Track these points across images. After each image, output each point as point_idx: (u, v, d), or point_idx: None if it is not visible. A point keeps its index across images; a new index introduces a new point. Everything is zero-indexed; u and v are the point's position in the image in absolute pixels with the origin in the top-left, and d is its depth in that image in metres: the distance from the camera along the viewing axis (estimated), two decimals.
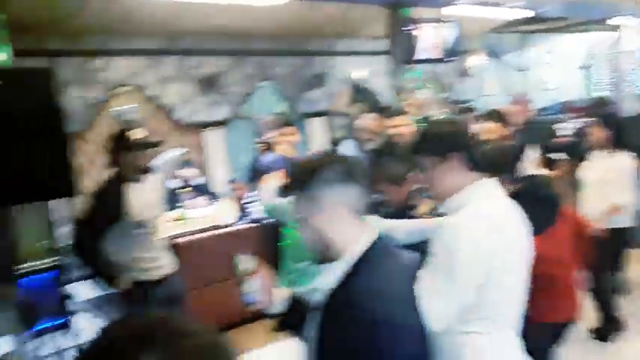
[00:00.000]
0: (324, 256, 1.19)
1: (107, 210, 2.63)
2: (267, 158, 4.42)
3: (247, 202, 4.70)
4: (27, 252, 4.03)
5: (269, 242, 4.05)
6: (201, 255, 4.21)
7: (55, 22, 4.99)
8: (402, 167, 2.33)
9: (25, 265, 3.85)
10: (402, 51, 5.59)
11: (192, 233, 4.44)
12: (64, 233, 4.68)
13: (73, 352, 3.70)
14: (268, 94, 6.99)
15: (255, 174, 4.51)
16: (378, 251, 1.16)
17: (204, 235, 4.43)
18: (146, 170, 2.83)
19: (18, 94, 3.17)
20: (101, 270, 2.71)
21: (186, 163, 5.64)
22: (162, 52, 5.98)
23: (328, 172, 1.16)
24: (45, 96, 3.20)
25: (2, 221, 3.61)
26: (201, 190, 5.58)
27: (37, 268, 4.02)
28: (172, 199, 5.47)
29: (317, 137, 7.16)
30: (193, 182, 5.57)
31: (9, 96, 3.16)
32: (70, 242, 2.92)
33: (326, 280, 1.16)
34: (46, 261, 4.08)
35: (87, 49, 5.51)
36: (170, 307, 2.86)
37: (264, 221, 4.40)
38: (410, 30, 5.58)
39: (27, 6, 4.40)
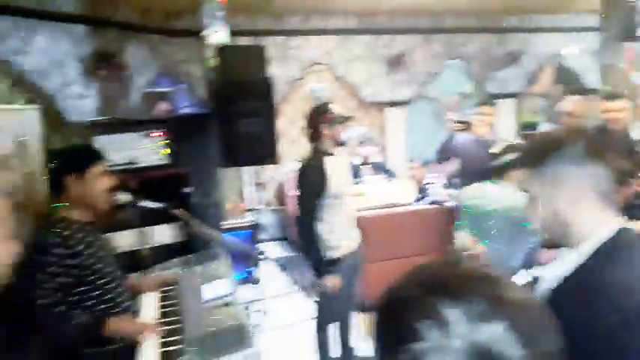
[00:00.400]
0: (556, 240, 1.11)
1: (313, 183, 2.80)
2: (461, 138, 4.31)
3: (427, 183, 4.65)
4: (228, 210, 4.59)
5: (445, 224, 3.99)
6: (378, 230, 4.31)
7: (262, 4, 5.49)
8: (627, 164, 2.04)
9: (226, 222, 4.38)
10: (619, 26, 4.88)
11: (370, 209, 4.56)
12: (255, 196, 5.15)
13: (260, 304, 4.12)
14: (456, 74, 6.76)
15: (445, 154, 4.43)
16: (625, 241, 1.04)
17: (381, 211, 4.52)
18: (342, 144, 2.96)
19: (236, 68, 3.59)
20: (311, 245, 2.81)
21: (367, 141, 5.80)
22: (354, 32, 6.17)
23: (574, 147, 1.04)
24: (258, 70, 3.57)
25: (212, 181, 4.17)
26: (380, 167, 5.70)
27: (236, 225, 4.54)
28: (353, 175, 5.70)
29: (503, 120, 6.74)
30: (372, 160, 5.71)
31: (228, 69, 3.60)
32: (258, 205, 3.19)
33: (558, 267, 1.08)
34: (243, 220, 4.59)
35: (288, 28, 5.95)
36: (352, 278, 2.97)
37: (443, 203, 4.33)
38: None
39: None
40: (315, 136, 2.90)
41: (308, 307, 3.89)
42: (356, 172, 5.66)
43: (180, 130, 3.75)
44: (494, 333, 0.49)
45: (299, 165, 2.97)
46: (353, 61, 6.22)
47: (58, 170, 1.85)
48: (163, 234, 3.40)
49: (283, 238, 6.08)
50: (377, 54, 6.29)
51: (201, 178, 3.91)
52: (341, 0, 5.58)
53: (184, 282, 2.22)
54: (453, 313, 0.50)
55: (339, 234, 2.87)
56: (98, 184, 1.90)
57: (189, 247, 3.21)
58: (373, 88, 6.34)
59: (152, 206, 2.10)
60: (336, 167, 2.92)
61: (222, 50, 3.83)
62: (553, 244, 1.12)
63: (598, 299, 0.96)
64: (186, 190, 3.27)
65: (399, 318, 0.52)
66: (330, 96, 6.21)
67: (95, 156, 1.92)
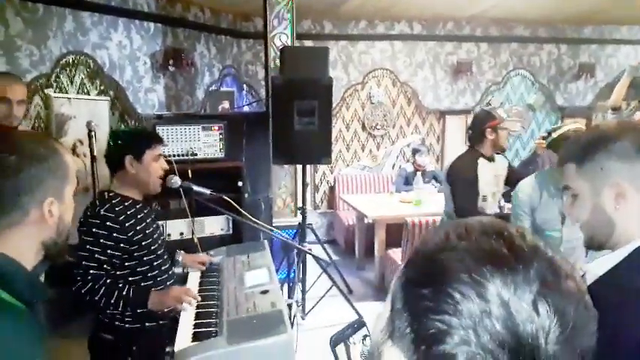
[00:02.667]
0: (599, 241, 1.05)
1: (465, 185, 2.88)
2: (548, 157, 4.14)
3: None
4: (278, 209, 4.66)
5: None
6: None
7: (328, 9, 5.56)
8: None
9: (275, 220, 4.44)
10: None
11: (425, 215, 4.49)
12: (306, 197, 5.15)
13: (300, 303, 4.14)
14: (522, 84, 6.52)
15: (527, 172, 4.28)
16: None
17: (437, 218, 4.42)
18: (502, 150, 2.99)
19: (297, 68, 3.67)
20: None
21: (423, 148, 5.71)
22: (419, 38, 6.12)
23: (622, 143, 0.98)
24: (319, 71, 3.63)
25: (265, 178, 4.27)
26: (434, 176, 5.60)
27: (284, 224, 4.58)
28: (406, 182, 5.63)
29: None
30: (428, 168, 5.63)
31: (290, 69, 3.68)
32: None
33: (598, 267, 1.02)
34: (292, 219, 4.64)
35: (352, 33, 5.99)
36: None
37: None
38: None
39: None
40: (476, 138, 2.95)
41: (347, 312, 3.89)
42: (408, 180, 5.60)
43: (238, 127, 3.87)
44: (539, 319, 0.44)
45: (452, 162, 3.04)
46: (416, 67, 6.16)
47: (117, 150, 1.98)
48: (213, 225, 3.52)
49: (330, 241, 6.09)
50: (441, 61, 6.20)
51: (254, 174, 4.01)
52: (406, 6, 5.55)
53: (227, 267, 2.29)
54: (499, 289, 0.44)
55: None
56: (153, 166, 2.01)
57: (237, 239, 3.30)
58: (434, 95, 6.24)
59: (203, 191, 2.19)
60: (486, 171, 2.93)
61: (286, 50, 3.93)
62: (595, 245, 1.07)
63: (632, 301, 0.90)
64: (239, 183, 3.36)
65: (438, 284, 0.46)
66: (387, 103, 6.18)
67: (154, 140, 2.03)
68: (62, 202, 1.02)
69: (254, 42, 5.84)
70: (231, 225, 3.60)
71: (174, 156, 3.07)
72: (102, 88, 4.07)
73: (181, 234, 3.22)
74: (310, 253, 2.59)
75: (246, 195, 3.81)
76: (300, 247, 2.94)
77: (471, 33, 6.20)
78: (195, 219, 3.26)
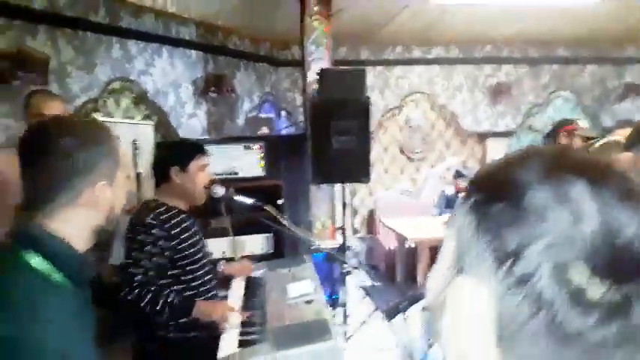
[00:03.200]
0: None
1: None
2: None
3: None
4: (317, 231, 4.61)
5: None
6: None
7: (365, 35, 5.63)
8: None
9: (315, 242, 4.38)
10: None
11: None
12: (345, 220, 5.07)
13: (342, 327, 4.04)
14: (564, 106, 6.36)
15: None
16: None
17: None
18: None
19: (335, 89, 3.69)
20: None
21: (463, 171, 5.60)
22: (456, 61, 6.09)
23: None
24: (356, 92, 3.64)
25: (304, 199, 4.25)
26: None
27: (324, 247, 4.51)
28: (447, 205, 5.50)
29: None
30: None
31: (328, 90, 3.70)
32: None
33: None
34: (330, 241, 4.58)
35: (388, 58, 6.03)
36: None
37: None
38: None
39: (344, 20, 5.07)
40: (548, 143, 2.98)
41: (388, 337, 3.77)
42: (449, 202, 5.47)
43: (277, 149, 3.90)
44: (627, 221, 0.40)
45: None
46: (455, 90, 6.11)
47: (163, 160, 2.00)
48: (255, 244, 3.50)
49: (370, 266, 5.97)
50: (479, 83, 6.13)
51: (292, 197, 4.00)
52: (443, 30, 5.56)
53: (270, 280, 2.25)
54: (584, 193, 0.41)
55: None
56: (198, 176, 2.02)
57: (278, 258, 3.27)
58: (474, 118, 6.15)
59: (245, 200, 2.18)
60: None
61: (324, 73, 3.97)
62: None
63: None
64: (279, 202, 3.36)
65: (514, 195, 0.42)
66: (425, 125, 6.14)
67: (198, 150, 2.05)
68: (114, 187, 1.03)
69: (292, 69, 5.95)
70: (272, 244, 3.58)
71: (216, 174, 3.11)
72: (146, 112, 4.20)
73: (223, 252, 3.22)
74: (357, 267, 2.52)
75: (285, 217, 3.81)
76: (345, 261, 2.87)
77: (509, 55, 6.14)
78: (236, 238, 3.27)
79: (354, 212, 6.21)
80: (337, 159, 3.59)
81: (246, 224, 3.37)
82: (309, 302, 1.91)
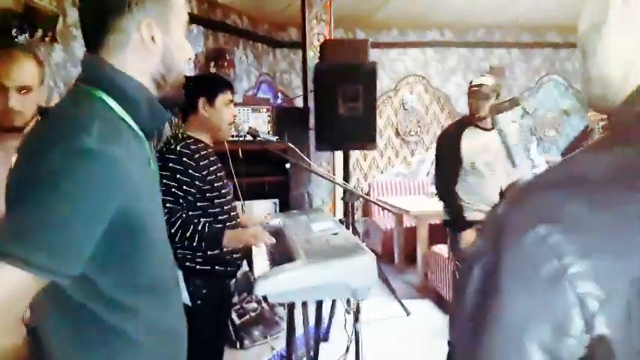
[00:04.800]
0: None
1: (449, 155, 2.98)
2: None
3: None
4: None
5: None
6: None
7: (361, 18, 5.69)
8: None
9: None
10: None
11: None
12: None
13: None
14: (556, 90, 6.50)
15: None
16: None
17: None
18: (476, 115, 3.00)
19: (338, 57, 3.72)
20: (454, 210, 3.01)
21: None
22: (450, 44, 6.19)
23: None
24: (362, 57, 3.67)
25: (306, 174, 4.26)
26: None
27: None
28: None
29: None
30: None
31: (331, 58, 3.73)
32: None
33: None
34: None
35: (384, 41, 6.09)
36: None
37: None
38: None
39: (341, 2, 5.11)
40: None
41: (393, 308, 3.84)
42: None
43: (280, 117, 3.91)
44: None
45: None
46: (449, 73, 6.21)
47: (190, 93, 2.00)
48: (261, 209, 3.51)
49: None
50: (473, 67, 6.24)
51: (293, 170, 4.01)
52: (438, 14, 5.65)
53: (290, 223, 2.25)
54: None
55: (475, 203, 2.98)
56: (225, 111, 2.03)
57: None
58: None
59: (269, 138, 2.20)
60: (476, 140, 2.93)
61: (327, 43, 4.00)
62: None
63: None
64: (287, 165, 3.37)
65: None
66: (421, 107, 6.21)
67: (225, 85, 2.06)
68: (167, 31, 0.95)
69: (289, 51, 5.97)
70: (277, 210, 3.59)
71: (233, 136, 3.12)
72: None
73: None
74: (382, 205, 2.54)
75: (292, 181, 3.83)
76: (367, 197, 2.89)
77: (502, 39, 6.26)
78: (244, 202, 3.27)
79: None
80: (343, 126, 3.61)
81: (254, 189, 3.38)
82: (335, 234, 1.93)
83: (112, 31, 0.92)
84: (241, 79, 5.38)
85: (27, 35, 2.95)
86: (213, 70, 4.79)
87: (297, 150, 2.24)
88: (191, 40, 4.56)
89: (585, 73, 0.54)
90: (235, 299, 3.26)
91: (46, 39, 3.02)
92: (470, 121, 3.03)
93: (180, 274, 1.09)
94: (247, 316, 3.15)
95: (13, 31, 2.92)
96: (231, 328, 3.09)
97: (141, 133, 0.96)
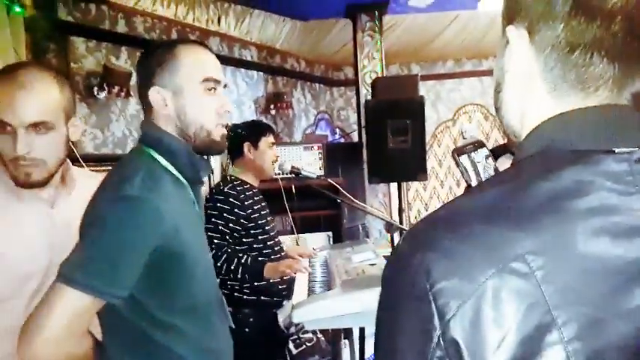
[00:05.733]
0: None
1: None
2: None
3: None
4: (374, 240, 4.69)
5: None
6: None
7: (415, 51, 5.82)
8: None
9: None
10: None
11: None
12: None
13: None
14: None
15: None
16: None
17: None
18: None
19: (389, 93, 3.85)
20: None
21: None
22: None
23: None
24: (411, 92, 3.79)
25: (361, 199, 4.37)
26: None
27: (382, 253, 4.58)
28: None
29: None
30: None
31: (382, 94, 3.88)
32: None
33: None
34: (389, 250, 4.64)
35: (440, 73, 6.17)
36: None
37: None
38: None
39: (395, 37, 5.28)
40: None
41: None
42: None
43: (334, 154, 4.09)
44: None
45: None
46: None
47: (237, 138, 2.22)
48: (316, 242, 3.64)
49: None
50: None
51: (349, 194, 4.14)
52: (493, 42, 5.65)
53: (333, 255, 2.38)
54: None
55: None
56: (268, 153, 2.22)
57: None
58: None
59: (311, 174, 2.35)
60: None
61: (377, 80, 4.16)
62: None
63: None
64: (338, 201, 3.50)
65: None
66: (481, 135, 6.15)
67: (267, 129, 2.28)
68: (179, 94, 1.10)
69: (345, 89, 6.20)
70: (331, 242, 3.71)
71: (278, 174, 3.33)
72: None
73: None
74: None
75: (344, 216, 3.95)
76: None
77: None
78: (299, 236, 3.43)
79: (409, 207, 6.24)
80: (393, 158, 3.71)
81: (309, 222, 3.55)
82: (372, 264, 2.02)
83: (141, 97, 1.15)
84: (300, 118, 5.66)
85: (106, 92, 3.37)
86: (273, 112, 5.10)
87: (337, 185, 2.36)
88: (252, 86, 4.91)
89: (501, 120, 0.65)
90: (292, 330, 3.38)
91: (122, 94, 3.43)
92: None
93: (223, 299, 1.24)
94: (304, 347, 3.25)
95: (95, 90, 3.35)
96: (288, 357, 3.21)
97: (183, 180, 1.13)
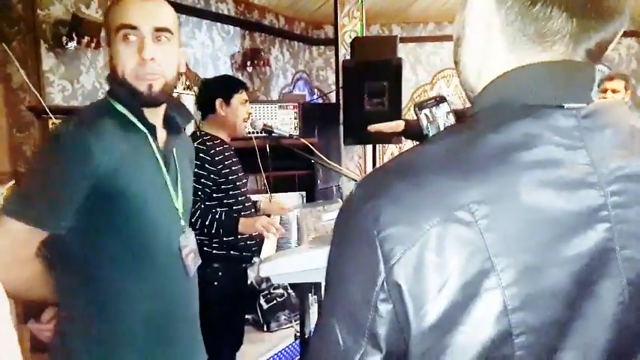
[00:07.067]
0: None
1: None
2: None
3: None
4: None
5: None
6: None
7: (396, 13, 5.73)
8: None
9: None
10: None
11: None
12: None
13: None
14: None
15: None
16: None
17: None
18: None
19: (367, 54, 3.81)
20: None
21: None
22: None
23: None
24: (389, 54, 3.75)
25: (335, 160, 4.39)
26: None
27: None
28: None
29: None
30: None
31: (360, 54, 3.83)
32: None
33: None
34: None
35: (420, 35, 6.11)
36: None
37: None
38: None
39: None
40: None
41: None
42: None
43: (310, 114, 4.05)
44: None
45: None
46: None
47: (208, 94, 2.18)
48: (288, 202, 3.66)
49: None
50: None
51: (324, 154, 4.15)
52: None
53: (304, 213, 2.40)
54: None
55: None
56: (240, 109, 2.19)
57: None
58: None
59: (283, 133, 2.34)
60: None
61: (356, 40, 4.10)
62: None
63: None
64: (312, 160, 3.51)
65: None
66: (459, 101, 6.18)
67: (240, 85, 2.23)
68: (110, 44, 1.15)
69: (325, 48, 6.10)
70: (304, 202, 3.74)
71: (250, 133, 3.29)
72: (187, 83, 4.43)
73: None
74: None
75: (319, 177, 3.96)
76: None
77: None
78: (272, 195, 3.44)
79: None
80: (369, 120, 3.69)
81: (284, 182, 3.55)
82: None
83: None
84: (278, 76, 5.57)
85: (75, 43, 3.24)
86: (249, 69, 5.00)
87: (310, 145, 2.36)
88: (228, 41, 4.80)
89: (459, 75, 0.65)
90: (264, 285, 3.44)
91: (92, 45, 3.30)
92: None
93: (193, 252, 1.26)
94: (274, 302, 3.33)
95: (63, 39, 3.22)
96: (259, 312, 3.28)
97: (141, 126, 1.14)
